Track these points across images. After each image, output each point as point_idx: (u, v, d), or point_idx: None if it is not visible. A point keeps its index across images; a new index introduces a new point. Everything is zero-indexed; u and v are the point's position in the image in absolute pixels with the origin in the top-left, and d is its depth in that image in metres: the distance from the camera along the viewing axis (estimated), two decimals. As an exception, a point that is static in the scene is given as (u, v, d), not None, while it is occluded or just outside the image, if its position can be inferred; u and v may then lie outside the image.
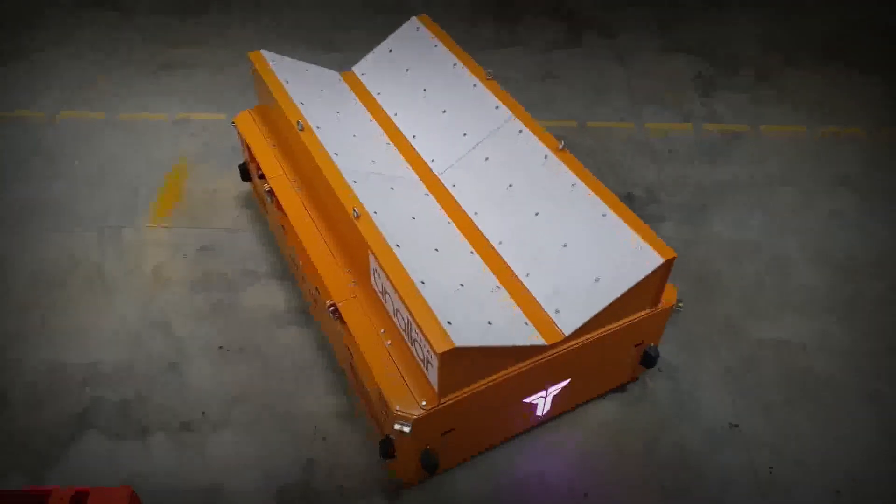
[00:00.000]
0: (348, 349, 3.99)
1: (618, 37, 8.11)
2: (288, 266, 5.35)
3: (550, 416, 4.38)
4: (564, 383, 4.09)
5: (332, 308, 3.96)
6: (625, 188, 6.13)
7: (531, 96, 7.11)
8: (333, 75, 5.44)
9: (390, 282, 3.52)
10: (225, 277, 5.32)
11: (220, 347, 4.87)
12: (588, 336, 3.81)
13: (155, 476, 4.23)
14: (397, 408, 3.51)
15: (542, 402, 4.13)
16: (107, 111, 6.78)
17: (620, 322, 3.91)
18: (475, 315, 3.60)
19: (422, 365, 3.54)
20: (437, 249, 3.97)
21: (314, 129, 4.43)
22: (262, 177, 4.93)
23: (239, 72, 7.31)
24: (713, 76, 7.52)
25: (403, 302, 3.43)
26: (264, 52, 5.05)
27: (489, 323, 3.60)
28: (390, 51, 5.40)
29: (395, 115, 5.09)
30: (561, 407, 4.35)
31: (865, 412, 4.62)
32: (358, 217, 3.81)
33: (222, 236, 5.61)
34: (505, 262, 4.04)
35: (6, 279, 5.28)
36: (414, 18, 5.44)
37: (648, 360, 4.35)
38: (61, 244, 5.53)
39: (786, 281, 5.43)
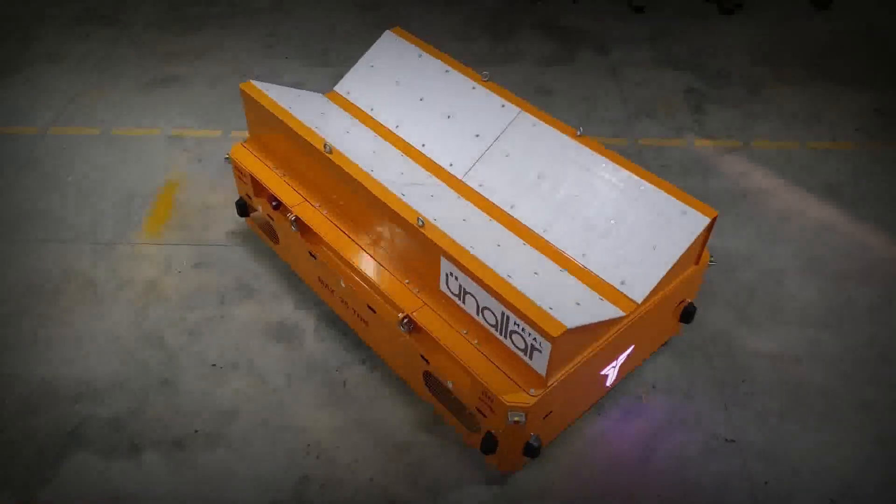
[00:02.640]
0: (424, 358, 4.09)
1: (610, 52, 8.19)
2: (284, 283, 5.35)
3: (613, 385, 4.61)
4: (630, 349, 4.33)
5: (406, 319, 4.02)
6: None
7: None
8: (320, 97, 5.40)
9: (477, 280, 3.62)
10: (218, 292, 5.30)
11: (214, 365, 4.84)
12: (652, 301, 4.04)
13: (146, 495, 4.18)
14: (508, 400, 3.62)
15: (612, 371, 4.34)
16: (100, 126, 6.79)
17: (672, 283, 4.14)
18: (562, 298, 3.73)
19: (521, 355, 3.64)
20: (498, 245, 4.09)
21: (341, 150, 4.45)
22: (277, 207, 4.87)
23: (234, 87, 7.34)
24: (704, 91, 7.59)
25: (499, 295, 3.52)
26: (255, 82, 4.97)
27: (577, 303, 3.79)
28: (372, 66, 5.38)
29: (397, 127, 5.08)
30: (622, 374, 4.57)
31: (858, 420, 4.63)
32: (423, 226, 3.88)
33: (216, 251, 5.60)
34: (557, 248, 4.22)
35: (-2, 294, 5.26)
36: (388, 32, 5.42)
37: (688, 315, 4.59)
38: (53, 257, 5.51)
39: (778, 291, 5.45)
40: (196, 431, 4.48)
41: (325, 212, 4.70)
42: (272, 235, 5.36)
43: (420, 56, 5.27)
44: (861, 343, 5.11)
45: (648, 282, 3.94)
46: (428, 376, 4.28)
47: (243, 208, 5.46)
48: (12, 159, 6.37)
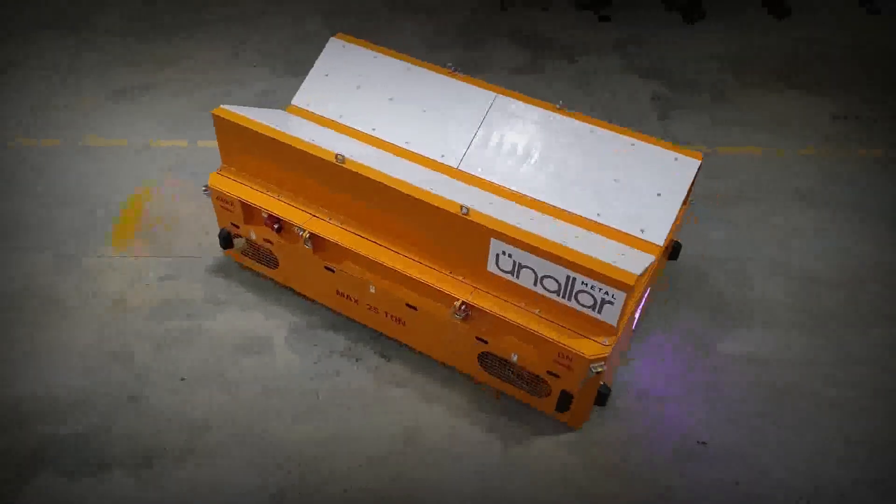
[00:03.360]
0: (482, 339, 4.33)
1: (578, 61, 8.26)
2: (254, 295, 5.27)
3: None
4: (648, 291, 4.71)
5: (463, 306, 4.19)
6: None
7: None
8: (283, 113, 5.27)
9: (537, 252, 3.90)
10: (187, 305, 5.20)
11: (183, 379, 4.74)
12: (666, 242, 4.44)
13: (115, 513, 4.08)
14: (588, 354, 3.95)
15: (637, 313, 4.67)
16: (65, 137, 6.64)
17: (674, 224, 4.50)
18: (607, 254, 3.96)
19: (588, 312, 3.98)
20: (532, 219, 4.29)
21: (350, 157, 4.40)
22: (279, 229, 4.76)
23: (201, 96, 7.24)
24: (670, 98, 7.69)
25: (565, 261, 3.84)
26: (226, 106, 4.78)
27: (622, 255, 4.06)
28: (326, 74, 5.28)
29: (374, 129, 5.05)
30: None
31: (829, 420, 4.70)
32: (468, 213, 4.03)
33: (184, 263, 5.50)
34: (573, 213, 4.53)
35: (-44, 310, 5.10)
36: (333, 38, 5.34)
37: (676, 252, 5.12)
38: (15, 270, 5.36)
39: (748, 294, 5.52)
40: (165, 449, 4.38)
41: (337, 223, 4.67)
42: (268, 261, 5.16)
43: (375, 57, 5.23)
44: (830, 344, 5.19)
45: (664, 225, 4.39)
46: (484, 357, 4.47)
47: (228, 240, 5.17)
48: (-29, 172, 6.20)
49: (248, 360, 4.87)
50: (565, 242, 3.94)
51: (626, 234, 4.42)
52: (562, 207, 4.56)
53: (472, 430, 4.55)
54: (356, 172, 4.32)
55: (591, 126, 4.72)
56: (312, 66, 5.32)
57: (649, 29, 8.98)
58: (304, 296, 5.25)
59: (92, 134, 6.70)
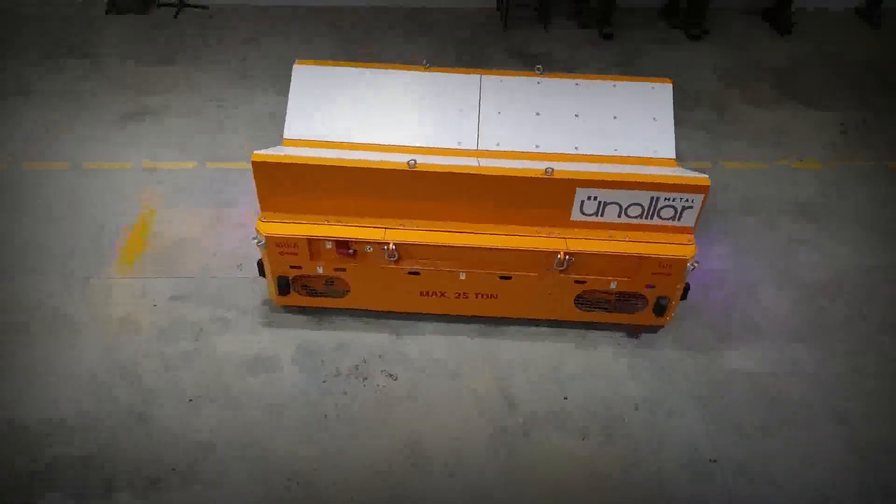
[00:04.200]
0: (580, 281, 4.87)
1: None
2: (261, 314, 5.30)
3: None
4: None
5: (568, 257, 4.69)
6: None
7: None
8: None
9: (625, 185, 4.55)
10: (195, 325, 5.23)
11: (190, 400, 4.76)
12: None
13: (122, 534, 4.08)
14: (686, 255, 4.70)
15: None
16: (72, 160, 6.72)
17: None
18: (654, 174, 4.68)
19: (669, 223, 4.72)
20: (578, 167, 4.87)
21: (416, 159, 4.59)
22: (353, 253, 4.81)
23: (207, 117, 7.32)
24: (674, 113, 7.71)
25: (648, 185, 4.54)
26: (262, 151, 4.65)
27: (674, 172, 4.83)
28: (308, 101, 5.16)
29: (384, 138, 5.11)
30: None
31: (835, 433, 4.68)
32: (552, 172, 4.52)
33: (191, 283, 5.54)
34: (596, 155, 5.07)
35: (-35, 330, 5.14)
36: (297, 66, 5.21)
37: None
38: (24, 291, 5.40)
39: (753, 306, 5.51)
40: (173, 469, 4.38)
41: (414, 227, 4.82)
42: (336, 292, 5.12)
43: (348, 72, 5.22)
44: (836, 356, 5.17)
45: (670, 143, 5.13)
46: (580, 298, 5.03)
47: (287, 287, 5.03)
48: (-19, 195, 6.28)
49: (255, 380, 4.89)
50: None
51: (645, 157, 5.08)
52: (584, 153, 5.07)
53: (476, 444, 4.55)
54: (434, 172, 4.53)
55: (573, 80, 5.22)
56: (289, 98, 5.14)
57: (652, 46, 9.04)
58: (368, 310, 5.28)
59: (99, 156, 6.77)
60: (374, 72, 5.23)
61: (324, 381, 4.89)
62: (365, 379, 4.91)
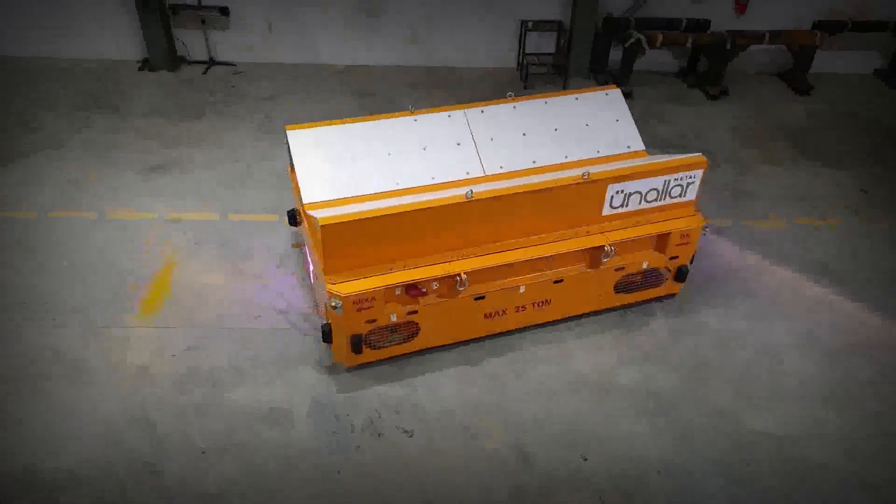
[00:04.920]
0: (620, 268, 5.46)
1: (599, 135, 8.42)
2: (278, 366, 5.28)
3: None
4: None
5: (612, 248, 5.21)
6: (612, 280, 6.19)
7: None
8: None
9: (646, 174, 5.18)
10: (211, 376, 5.22)
11: (203, 452, 4.70)
12: None
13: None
14: (701, 222, 5.48)
15: None
16: (98, 210, 6.85)
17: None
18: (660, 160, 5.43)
19: (678, 199, 5.45)
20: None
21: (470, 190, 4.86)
22: (425, 292, 4.96)
23: (230, 171, 7.47)
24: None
25: (661, 170, 5.21)
26: (322, 213, 4.70)
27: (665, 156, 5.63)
28: (311, 165, 5.27)
29: (397, 184, 5.33)
30: None
31: (860, 500, 4.49)
32: (588, 175, 5.00)
33: (209, 334, 5.55)
34: (584, 159, 5.70)
35: (-16, 377, 5.17)
36: (289, 131, 5.32)
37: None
38: (43, 339, 5.44)
39: (776, 368, 5.39)
40: (182, 522, 4.31)
41: (473, 254, 5.07)
42: (409, 336, 5.17)
43: (341, 129, 5.39)
44: (862, 420, 5.01)
45: (637, 137, 5.93)
46: (618, 284, 5.58)
47: (360, 345, 5.03)
48: (10, 242, 6.39)
49: (269, 433, 4.83)
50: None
51: (622, 154, 5.83)
52: (574, 160, 5.69)
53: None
54: (489, 198, 4.81)
55: (542, 99, 5.85)
56: (295, 164, 5.24)
57: (671, 105, 9.16)
58: (431, 346, 5.37)
59: (124, 207, 6.91)
60: (364, 125, 5.47)
61: (337, 436, 4.82)
62: (379, 434, 4.84)
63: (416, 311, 5.03)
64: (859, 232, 6.88)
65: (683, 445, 4.81)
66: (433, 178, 5.40)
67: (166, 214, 6.83)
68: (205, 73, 9.64)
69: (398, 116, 5.54)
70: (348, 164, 5.31)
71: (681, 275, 5.70)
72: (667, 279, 5.73)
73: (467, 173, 5.48)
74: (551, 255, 5.18)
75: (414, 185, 5.33)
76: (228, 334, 5.55)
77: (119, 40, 9.68)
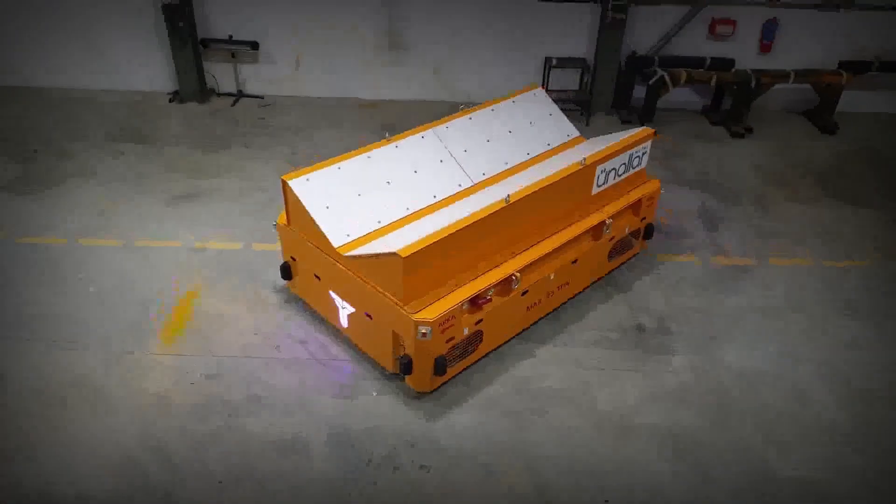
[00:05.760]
0: (613, 235, 6.16)
1: (621, 171, 8.42)
2: (296, 395, 5.27)
3: None
4: None
5: (611, 220, 5.99)
6: (635, 318, 6.11)
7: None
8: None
9: (619, 152, 5.95)
10: (229, 404, 5.21)
11: (220, 482, 4.68)
12: None
13: None
14: (656, 187, 6.53)
15: None
16: (125, 237, 6.96)
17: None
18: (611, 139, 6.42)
19: (635, 169, 6.30)
20: (557, 157, 6.58)
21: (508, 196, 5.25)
22: (489, 300, 5.18)
23: (255, 201, 7.56)
24: (717, 209, 7.71)
25: (630, 146, 6.03)
26: (404, 249, 4.71)
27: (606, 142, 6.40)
28: (327, 207, 5.30)
29: (408, 209, 5.59)
30: None
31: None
32: (585, 161, 5.64)
33: (229, 362, 5.56)
34: (541, 153, 6.56)
35: (5, 395, 5.20)
36: (289, 181, 5.30)
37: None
38: (65, 364, 5.49)
39: (803, 411, 5.26)
40: (196, 553, 4.27)
41: (512, 254, 5.43)
42: (476, 345, 5.34)
43: (337, 168, 5.46)
44: (891, 465, 4.85)
45: (571, 126, 6.93)
46: (611, 252, 6.32)
47: (444, 365, 5.11)
48: (39, 268, 6.50)
49: (286, 463, 4.79)
50: (590, 148, 6.20)
51: (566, 142, 6.76)
52: (534, 155, 6.47)
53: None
54: (521, 197, 5.22)
55: (488, 108, 6.49)
56: (312, 213, 5.24)
57: (694, 142, 9.15)
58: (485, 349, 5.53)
59: (150, 235, 7.01)
60: (355, 161, 5.59)
61: (353, 469, 4.77)
62: (396, 469, 4.78)
63: (481, 320, 5.21)
64: (887, 272, 6.76)
65: (706, 487, 4.69)
66: (434, 196, 5.76)
67: (191, 243, 6.92)
68: (233, 105, 9.84)
69: (380, 147, 5.74)
70: (358, 201, 5.43)
71: (649, 231, 6.63)
72: (636, 243, 6.67)
73: (459, 185, 5.94)
74: (574, 238, 5.75)
75: (423, 207, 5.65)
76: (248, 363, 5.56)
77: (151, 73, 9.95)
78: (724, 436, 5.05)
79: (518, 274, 5.27)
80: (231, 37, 9.63)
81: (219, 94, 10.08)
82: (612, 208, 6.05)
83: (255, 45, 9.61)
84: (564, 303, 6.16)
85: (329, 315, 5.77)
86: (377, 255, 4.84)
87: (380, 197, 5.52)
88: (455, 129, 6.19)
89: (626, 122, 9.61)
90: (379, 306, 5.06)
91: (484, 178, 6.10)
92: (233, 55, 9.79)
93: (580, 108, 9.80)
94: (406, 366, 4.99)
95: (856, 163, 8.77)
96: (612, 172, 5.99)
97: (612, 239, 6.17)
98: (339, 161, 5.55)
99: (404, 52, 9.81)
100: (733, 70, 9.45)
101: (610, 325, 6.02)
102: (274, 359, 5.60)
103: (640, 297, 6.35)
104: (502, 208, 5.09)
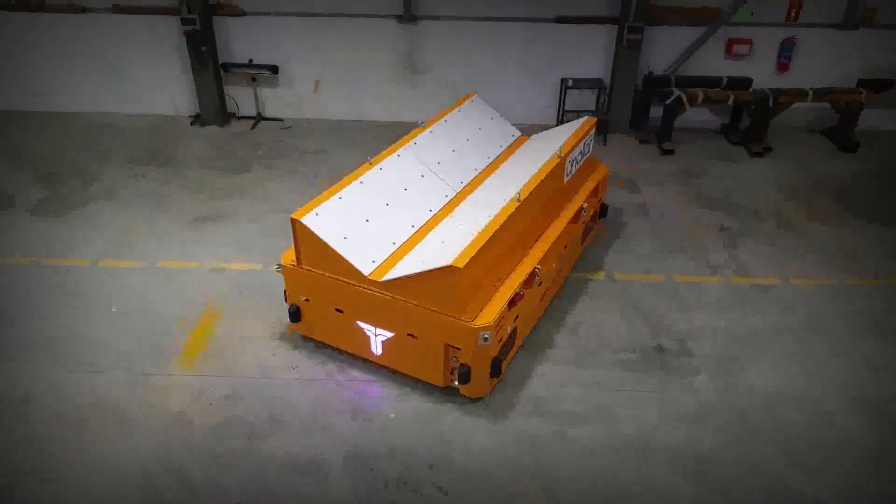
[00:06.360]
0: (587, 211, 6.61)
1: (640, 190, 8.39)
2: (315, 416, 5.26)
3: None
4: None
5: (585, 205, 6.48)
6: (656, 339, 6.05)
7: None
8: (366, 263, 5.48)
9: (576, 144, 6.40)
10: (247, 425, 5.22)
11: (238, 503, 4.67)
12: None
13: None
14: (606, 168, 7.17)
15: None
16: (146, 259, 7.05)
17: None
18: (556, 136, 6.92)
19: (584, 156, 6.71)
20: (525, 153, 7.04)
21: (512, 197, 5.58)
22: (523, 296, 5.38)
23: (275, 223, 7.63)
24: (738, 228, 7.64)
25: (581, 137, 6.50)
26: (458, 259, 4.84)
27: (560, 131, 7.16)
28: (345, 237, 5.32)
29: (413, 227, 5.77)
30: None
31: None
32: (561, 152, 6.13)
33: (249, 383, 5.58)
34: (498, 155, 6.99)
35: (27, 415, 5.26)
36: (298, 221, 5.21)
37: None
38: (86, 385, 5.53)
39: (826, 433, 5.16)
40: (214, 575, 4.25)
41: (525, 248, 5.73)
42: (512, 343, 5.55)
43: (340, 198, 5.47)
44: (924, 492, 4.74)
45: (512, 128, 7.46)
46: (582, 236, 6.79)
47: (499, 365, 5.24)
48: (62, 289, 6.59)
49: (304, 484, 4.78)
50: (546, 141, 6.81)
51: (516, 140, 7.29)
52: (493, 158, 6.89)
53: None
54: (528, 193, 5.55)
55: (441, 121, 6.82)
56: (333, 246, 5.21)
57: (713, 162, 9.10)
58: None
59: (171, 256, 7.09)
60: (352, 188, 5.62)
61: (372, 491, 4.74)
62: (414, 491, 4.74)
63: (517, 316, 5.45)
64: (912, 292, 6.65)
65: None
66: (430, 210, 5.96)
67: (211, 264, 6.98)
68: (253, 127, 9.98)
69: (366, 171, 5.83)
70: (368, 227, 5.48)
71: (604, 211, 7.25)
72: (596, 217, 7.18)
73: (446, 196, 6.18)
74: (567, 225, 6.17)
75: (424, 222, 5.82)
76: (267, 384, 5.57)
77: (174, 97, 10.13)
78: (747, 458, 4.96)
79: (539, 267, 5.56)
80: (251, 61, 9.79)
81: (239, 118, 10.23)
82: (583, 193, 6.60)
83: (274, 69, 9.76)
84: (558, 297, 6.50)
85: (355, 347, 5.66)
86: (427, 272, 4.87)
87: (385, 219, 5.60)
88: (424, 144, 6.44)
89: (644, 143, 9.60)
90: (427, 324, 5.10)
91: (462, 186, 6.38)
92: (253, 79, 9.94)
93: (597, 128, 9.79)
94: (465, 375, 5.10)
95: (877, 181, 8.68)
96: (574, 162, 6.41)
97: (584, 222, 6.65)
98: (337, 191, 5.54)
99: (422, 75, 9.91)
100: (751, 89, 9.42)
101: (630, 346, 5.97)
102: (292, 379, 5.61)
103: (661, 318, 6.29)
104: (517, 208, 5.36)
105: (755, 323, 6.25)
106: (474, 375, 5.12)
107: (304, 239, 5.31)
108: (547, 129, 9.90)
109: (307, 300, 5.62)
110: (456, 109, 7.07)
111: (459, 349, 5.07)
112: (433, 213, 5.95)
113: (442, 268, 4.72)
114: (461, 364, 5.10)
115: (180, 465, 4.92)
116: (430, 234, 5.65)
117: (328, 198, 5.46)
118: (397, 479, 4.81)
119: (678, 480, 4.82)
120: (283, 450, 5.03)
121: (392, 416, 5.28)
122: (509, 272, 5.50)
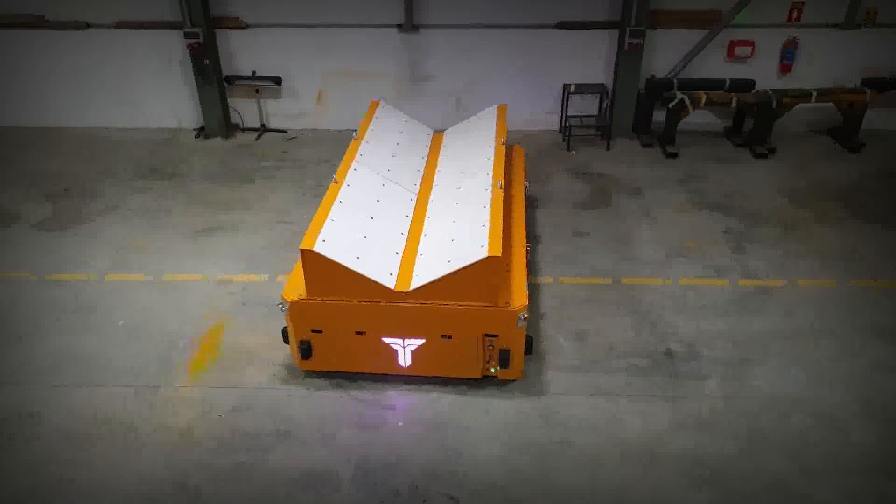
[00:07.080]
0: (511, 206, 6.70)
1: (644, 195, 8.38)
2: (322, 427, 5.26)
3: None
4: None
5: (528, 185, 7.26)
6: (663, 343, 6.03)
7: (563, 250, 7.28)
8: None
9: (503, 136, 6.86)
10: (254, 437, 5.22)
11: (245, 514, 4.67)
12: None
13: None
14: (523, 153, 7.74)
15: None
16: (151, 272, 7.07)
17: None
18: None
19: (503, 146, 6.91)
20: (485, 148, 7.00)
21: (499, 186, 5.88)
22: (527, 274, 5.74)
23: (279, 234, 7.64)
24: (742, 231, 7.62)
25: (500, 126, 7.06)
26: (491, 248, 5.00)
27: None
28: (358, 257, 5.25)
29: (402, 234, 5.82)
30: None
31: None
32: (504, 142, 6.76)
33: (255, 395, 5.58)
34: (428, 155, 7.21)
35: (35, 431, 5.27)
36: (309, 252, 5.03)
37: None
38: (94, 399, 5.54)
39: (834, 436, 5.12)
40: (223, 589, 4.24)
41: (508, 230, 5.98)
42: (527, 319, 5.62)
43: (333, 220, 5.39)
44: (936, 495, 4.70)
45: (423, 125, 7.73)
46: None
47: (532, 343, 5.61)
48: (68, 304, 6.61)
49: (312, 497, 4.76)
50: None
51: (434, 140, 7.46)
52: (425, 157, 7.13)
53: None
54: (502, 180, 5.91)
55: (369, 129, 6.89)
56: (353, 268, 5.11)
57: (716, 165, 9.08)
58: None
59: (176, 269, 7.11)
60: (336, 210, 5.58)
61: (381, 502, 4.73)
62: (424, 502, 4.73)
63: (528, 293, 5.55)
64: (920, 293, 6.61)
65: (741, 519, 4.57)
66: (406, 215, 6.07)
67: (216, 276, 7.00)
68: (257, 139, 10.02)
69: (339, 190, 5.81)
70: (368, 243, 5.47)
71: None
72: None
73: (411, 200, 6.33)
74: (522, 205, 6.59)
75: (408, 228, 5.91)
76: (273, 396, 5.57)
77: (178, 111, 10.19)
78: (755, 463, 4.93)
79: (529, 245, 6.02)
80: (254, 73, 9.83)
81: (243, 129, 10.27)
82: (520, 174, 7.01)
83: (278, 81, 9.80)
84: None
85: (377, 367, 5.59)
86: (463, 269, 4.96)
87: (378, 232, 5.63)
88: (368, 155, 6.52)
89: (647, 146, 9.59)
90: (463, 320, 5.21)
91: (417, 188, 6.53)
92: (256, 91, 9.99)
93: (600, 133, 9.80)
94: (505, 360, 5.33)
95: (882, 181, 8.64)
96: (507, 146, 6.89)
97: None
98: (325, 214, 5.45)
99: (424, 83, 9.93)
100: (754, 91, 9.40)
101: (638, 352, 5.95)
102: (299, 391, 5.60)
103: (668, 323, 6.27)
104: (504, 196, 5.78)
105: (762, 326, 6.22)
106: (513, 357, 5.38)
107: (315, 268, 5.07)
108: (550, 134, 9.95)
109: (319, 332, 5.41)
110: (374, 118, 7.18)
111: (497, 336, 5.27)
112: (409, 217, 6.07)
113: (480, 260, 4.90)
114: (500, 350, 5.30)
115: (188, 479, 4.92)
116: (424, 237, 5.73)
117: (322, 223, 5.31)
118: (406, 490, 4.80)
119: (686, 487, 4.79)
120: (292, 462, 5.02)
121: (400, 424, 5.27)
122: (512, 252, 5.81)
